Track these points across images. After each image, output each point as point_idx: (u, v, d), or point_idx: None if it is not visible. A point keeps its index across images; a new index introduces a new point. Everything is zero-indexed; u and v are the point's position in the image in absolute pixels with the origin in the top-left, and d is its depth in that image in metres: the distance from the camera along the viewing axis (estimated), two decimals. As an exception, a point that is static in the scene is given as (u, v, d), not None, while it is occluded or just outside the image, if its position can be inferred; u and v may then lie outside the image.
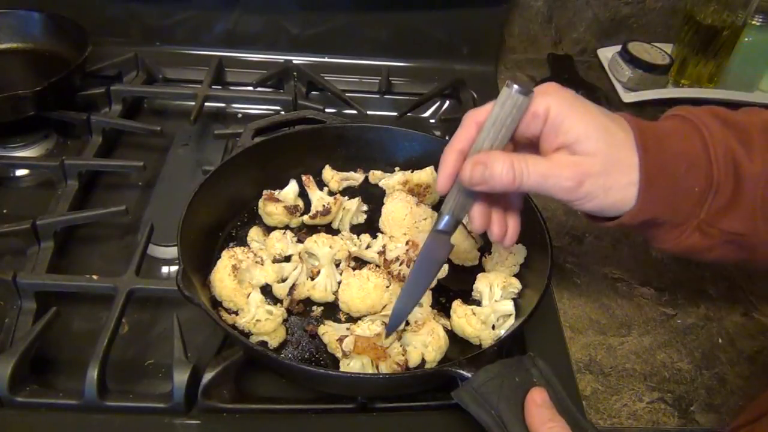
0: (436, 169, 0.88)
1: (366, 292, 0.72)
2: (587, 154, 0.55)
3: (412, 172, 0.89)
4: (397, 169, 0.92)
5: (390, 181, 0.90)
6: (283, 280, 0.76)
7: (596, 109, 0.57)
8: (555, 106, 0.56)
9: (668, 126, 0.60)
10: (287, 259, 0.79)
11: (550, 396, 0.56)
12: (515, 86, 0.55)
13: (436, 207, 0.87)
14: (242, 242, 0.81)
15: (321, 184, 0.90)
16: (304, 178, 0.88)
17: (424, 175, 0.88)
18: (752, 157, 0.57)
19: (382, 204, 0.86)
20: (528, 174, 0.56)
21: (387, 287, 0.74)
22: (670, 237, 0.61)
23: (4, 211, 0.87)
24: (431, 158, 0.88)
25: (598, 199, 0.57)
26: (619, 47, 1.20)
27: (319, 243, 0.77)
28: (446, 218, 0.63)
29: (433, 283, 0.70)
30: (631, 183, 0.56)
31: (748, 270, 0.88)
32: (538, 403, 0.54)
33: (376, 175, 0.92)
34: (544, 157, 0.57)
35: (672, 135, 0.59)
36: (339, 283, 0.76)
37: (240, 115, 1.10)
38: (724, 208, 0.58)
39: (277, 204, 0.83)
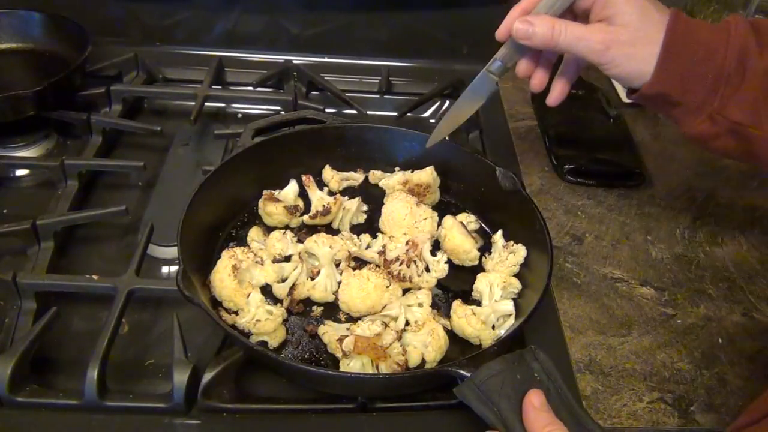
0: (436, 169, 0.89)
1: (366, 292, 0.72)
2: (620, 25, 0.66)
3: (412, 172, 0.89)
4: (397, 169, 0.92)
5: (390, 181, 0.90)
6: (283, 280, 0.76)
7: None
8: None
9: (705, 22, 0.68)
10: (287, 259, 0.79)
11: (550, 391, 0.56)
12: None
13: (437, 207, 0.87)
14: (242, 242, 0.81)
15: (321, 184, 0.90)
16: (304, 178, 0.88)
17: (424, 175, 0.88)
18: (763, 53, 0.65)
19: (382, 204, 0.86)
20: (565, 34, 0.67)
21: (387, 287, 0.74)
22: (686, 120, 0.69)
23: (4, 211, 0.87)
24: (431, 158, 0.88)
25: (621, 66, 0.67)
26: (619, 47, 1.19)
27: (319, 243, 0.77)
28: (498, 63, 0.74)
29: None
30: (652, 55, 0.66)
31: (748, 270, 0.88)
32: (535, 406, 0.54)
33: (376, 175, 0.92)
34: (584, 24, 0.68)
35: (702, 26, 0.67)
36: (339, 283, 0.76)
37: (240, 115, 1.10)
38: (730, 98, 0.66)
39: (277, 204, 0.83)
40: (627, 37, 0.66)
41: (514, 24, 0.69)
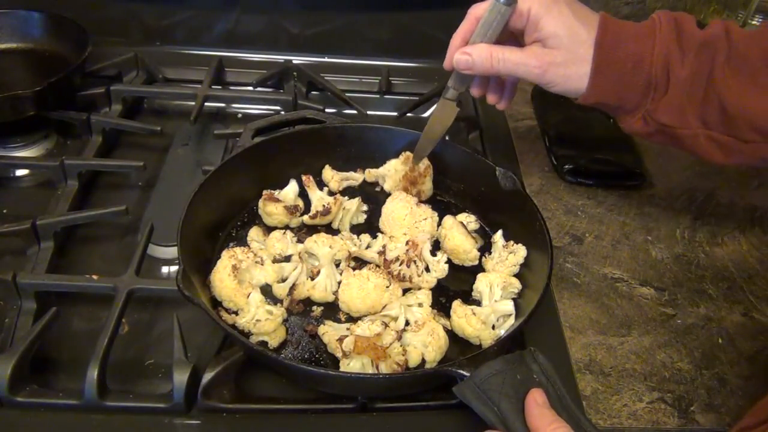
0: (436, 168, 0.89)
1: (366, 292, 0.72)
2: (553, 48, 0.71)
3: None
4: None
5: (386, 168, 0.90)
6: (283, 280, 0.76)
7: (569, 10, 0.71)
8: (535, 7, 0.70)
9: (633, 29, 0.72)
10: (287, 259, 0.79)
11: (549, 393, 0.56)
12: None
13: (436, 207, 0.87)
14: (242, 242, 0.81)
15: (321, 184, 0.90)
16: (304, 178, 0.88)
17: (420, 167, 0.88)
18: (684, 63, 0.70)
19: (382, 204, 0.86)
20: (503, 62, 0.72)
21: (387, 287, 0.74)
22: (624, 120, 0.76)
23: (4, 211, 0.87)
24: (431, 157, 0.88)
25: (559, 85, 0.73)
26: (619, 47, 1.19)
27: (319, 243, 0.77)
28: (451, 90, 0.81)
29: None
30: (585, 74, 0.71)
31: (748, 270, 0.88)
32: (539, 403, 0.54)
33: (371, 173, 0.92)
34: (519, 48, 0.73)
35: (630, 38, 0.71)
36: (339, 283, 0.76)
37: (240, 115, 1.10)
38: (658, 103, 0.72)
39: (277, 204, 0.83)
40: (560, 59, 0.70)
41: (454, 56, 0.74)
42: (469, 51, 0.73)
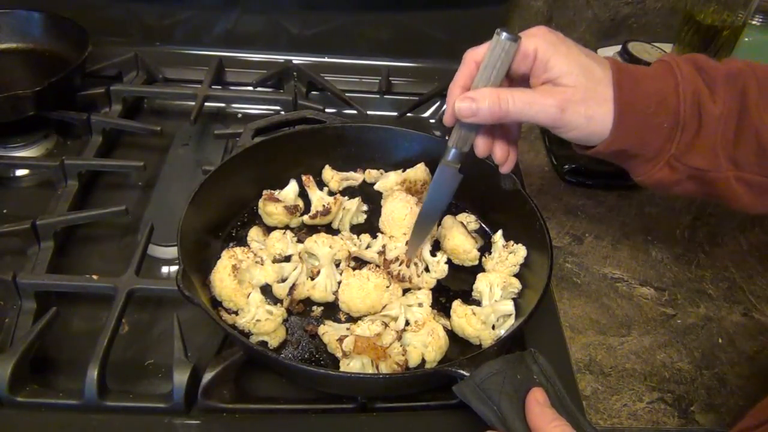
0: (428, 165, 0.89)
1: (366, 292, 0.72)
2: (569, 86, 0.62)
3: (404, 171, 0.89)
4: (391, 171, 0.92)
5: (386, 182, 0.90)
6: (283, 280, 0.76)
7: (579, 49, 0.64)
8: (542, 46, 0.63)
9: (647, 69, 0.66)
10: (287, 259, 0.79)
11: (549, 394, 0.56)
12: (504, 33, 0.61)
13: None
14: (242, 242, 0.81)
15: (321, 184, 0.90)
16: (304, 178, 0.88)
17: (418, 172, 0.88)
18: (715, 98, 0.64)
19: (382, 204, 0.86)
20: (513, 102, 0.62)
21: (387, 287, 0.74)
22: (643, 170, 0.67)
23: (4, 211, 0.87)
24: (431, 158, 0.88)
25: (580, 128, 0.63)
26: (619, 47, 1.19)
27: (319, 243, 0.77)
28: (452, 151, 0.70)
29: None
30: (607, 113, 0.63)
31: (748, 270, 0.88)
32: (540, 401, 0.54)
33: (372, 174, 0.92)
34: (531, 89, 0.64)
35: (647, 76, 0.65)
36: (339, 283, 0.76)
37: (240, 115, 1.10)
38: (688, 145, 0.64)
39: (277, 204, 0.83)
40: (580, 96, 0.62)
41: (456, 104, 0.64)
42: (472, 95, 0.63)
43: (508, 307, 0.73)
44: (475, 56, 0.65)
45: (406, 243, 0.78)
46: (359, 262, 0.80)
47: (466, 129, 0.68)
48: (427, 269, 0.79)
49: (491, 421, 0.55)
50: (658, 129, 0.64)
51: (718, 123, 0.63)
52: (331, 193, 0.89)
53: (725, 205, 0.68)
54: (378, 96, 1.12)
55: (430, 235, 0.80)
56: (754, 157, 0.64)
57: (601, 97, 0.63)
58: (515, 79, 0.67)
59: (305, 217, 0.85)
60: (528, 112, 0.63)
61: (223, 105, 1.11)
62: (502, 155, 0.70)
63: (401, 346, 0.69)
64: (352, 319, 0.74)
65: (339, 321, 0.74)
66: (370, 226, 0.86)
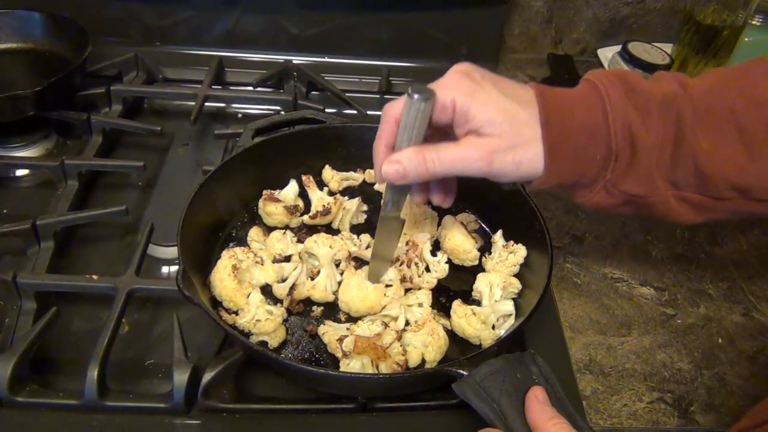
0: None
1: (366, 292, 0.72)
2: (493, 135, 0.60)
3: None
4: None
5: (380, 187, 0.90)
6: (283, 280, 0.76)
7: (497, 91, 0.61)
8: (459, 97, 0.60)
9: (574, 96, 0.64)
10: (287, 259, 0.79)
11: (549, 395, 0.56)
12: (415, 95, 0.59)
13: (436, 207, 0.87)
14: (242, 242, 0.81)
15: (321, 184, 0.90)
16: (304, 178, 0.88)
17: None
18: (648, 127, 0.62)
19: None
20: (440, 161, 0.61)
21: (387, 287, 0.74)
22: (581, 194, 0.66)
23: (4, 211, 0.87)
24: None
25: (510, 174, 0.62)
26: (619, 47, 1.20)
27: (319, 243, 0.77)
28: (389, 204, 0.70)
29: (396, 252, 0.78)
30: (537, 155, 0.61)
31: (748, 270, 0.88)
32: (540, 399, 0.54)
33: (372, 174, 0.92)
34: (455, 143, 0.62)
35: (576, 107, 0.62)
36: (339, 283, 0.76)
37: (240, 115, 1.10)
38: (623, 172, 0.63)
39: (277, 204, 0.83)
40: (505, 145, 0.60)
41: (383, 169, 0.63)
42: (398, 158, 0.62)
43: (508, 307, 0.73)
44: (393, 112, 0.63)
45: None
46: (359, 262, 0.80)
47: (398, 188, 0.68)
48: (427, 269, 0.79)
49: (491, 419, 0.55)
50: (591, 160, 0.62)
51: (652, 151, 0.62)
52: (331, 193, 0.89)
53: (666, 221, 0.67)
54: (378, 96, 1.12)
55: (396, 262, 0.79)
56: (693, 179, 0.63)
57: (528, 140, 0.61)
58: (440, 129, 0.65)
59: (305, 217, 0.85)
60: (455, 168, 0.62)
61: (223, 105, 1.11)
62: (440, 200, 0.71)
63: (401, 346, 0.69)
64: (352, 319, 0.74)
65: (339, 321, 0.74)
66: (370, 226, 0.86)
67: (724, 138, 0.62)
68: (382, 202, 0.71)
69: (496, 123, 0.60)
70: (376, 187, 0.92)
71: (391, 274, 0.75)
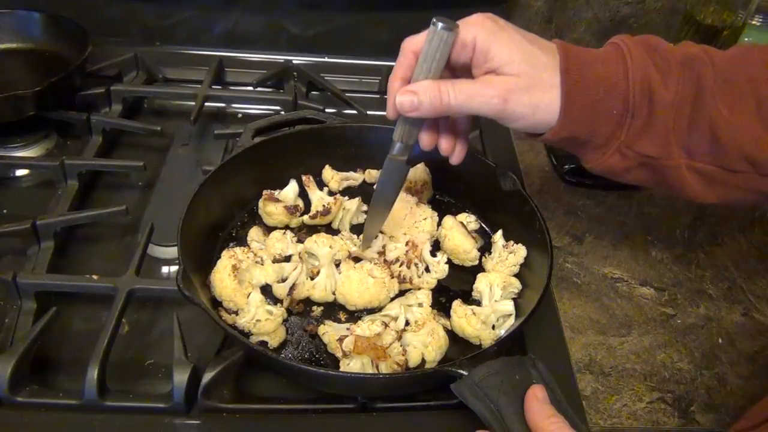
0: (436, 168, 0.89)
1: (365, 286, 0.73)
2: (512, 75, 0.60)
3: None
4: None
5: None
6: (283, 280, 0.76)
7: (521, 35, 0.62)
8: (481, 35, 0.61)
9: (598, 52, 0.64)
10: (287, 259, 0.79)
11: (548, 397, 0.56)
12: (440, 24, 0.60)
13: (437, 207, 0.87)
14: (242, 242, 0.81)
15: (321, 184, 0.90)
16: (304, 178, 0.88)
17: (417, 172, 0.88)
18: (667, 84, 0.61)
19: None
20: (455, 94, 0.61)
21: (385, 283, 0.74)
22: (593, 156, 0.65)
23: (4, 211, 0.87)
24: (431, 158, 0.88)
25: (526, 117, 0.61)
26: (619, 47, 1.20)
27: (319, 243, 0.77)
28: (397, 144, 0.69)
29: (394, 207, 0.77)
30: (554, 101, 0.61)
31: (748, 270, 0.88)
32: (539, 398, 0.54)
33: (372, 174, 0.92)
34: (473, 80, 0.62)
35: (596, 60, 0.62)
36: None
37: (240, 115, 1.10)
38: (639, 131, 0.62)
39: (277, 204, 0.83)
40: (523, 85, 0.60)
41: (396, 98, 0.63)
42: (413, 89, 0.62)
43: (508, 307, 0.73)
44: (413, 46, 0.64)
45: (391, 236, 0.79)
46: (359, 263, 0.80)
47: (410, 122, 0.67)
48: (427, 269, 0.79)
49: (488, 419, 0.55)
50: (607, 115, 0.62)
51: (670, 109, 0.61)
52: (331, 193, 0.89)
53: (675, 193, 0.67)
54: (378, 96, 1.13)
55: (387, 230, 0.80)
56: (707, 146, 0.62)
57: (547, 84, 0.61)
58: (457, 69, 0.65)
59: (305, 217, 0.85)
60: (470, 104, 0.61)
61: (223, 105, 1.11)
62: (448, 147, 0.70)
63: (401, 346, 0.69)
64: (352, 319, 0.74)
65: (339, 321, 0.74)
66: (370, 226, 0.86)
67: (742, 107, 0.61)
68: (391, 144, 0.69)
69: (515, 63, 0.60)
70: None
71: (379, 273, 0.74)
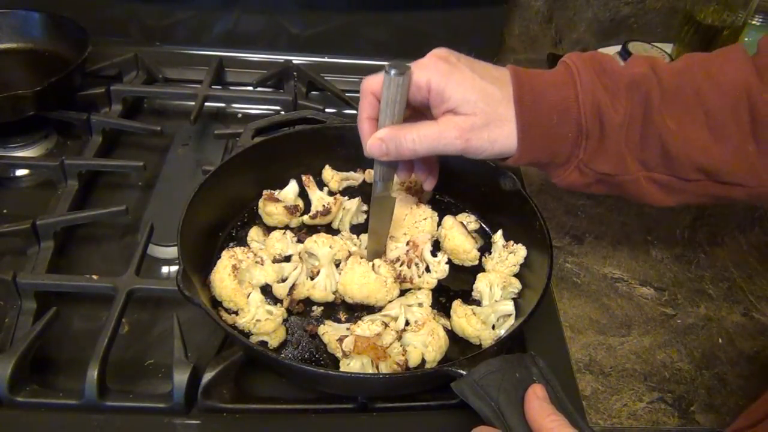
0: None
1: (367, 280, 0.73)
2: (469, 114, 0.63)
3: None
4: None
5: None
6: (283, 280, 0.76)
7: (472, 72, 0.64)
8: (434, 77, 0.63)
9: (549, 76, 0.66)
10: (287, 259, 0.79)
11: (549, 395, 0.56)
12: (392, 70, 0.62)
13: (437, 207, 0.87)
14: (242, 242, 0.81)
15: (321, 184, 0.90)
16: (304, 178, 0.88)
17: None
18: (616, 106, 0.64)
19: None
20: (419, 141, 0.64)
21: (386, 282, 0.74)
22: (556, 174, 0.68)
23: (4, 211, 0.87)
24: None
25: (487, 151, 0.65)
26: (619, 47, 1.20)
27: (319, 243, 0.77)
28: (379, 184, 0.73)
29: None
30: (511, 132, 0.64)
31: (748, 270, 0.88)
32: (539, 396, 0.54)
33: (372, 174, 0.92)
34: (433, 122, 0.65)
35: (548, 86, 0.65)
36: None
37: (240, 115, 1.10)
38: (594, 152, 0.65)
39: (277, 204, 0.83)
40: (481, 123, 0.63)
41: (368, 147, 0.67)
42: (381, 136, 0.65)
43: (508, 307, 0.73)
44: (371, 87, 0.66)
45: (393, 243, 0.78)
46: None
47: (386, 163, 0.70)
48: (427, 269, 0.79)
49: (488, 417, 0.55)
50: (563, 138, 0.65)
51: (620, 130, 0.64)
52: (331, 193, 0.89)
53: (636, 201, 0.70)
54: (378, 96, 1.12)
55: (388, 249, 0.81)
56: (660, 159, 0.65)
57: (504, 119, 0.63)
58: (417, 108, 0.68)
59: (305, 217, 0.85)
60: (434, 147, 0.65)
61: (223, 105, 1.11)
62: (423, 177, 0.76)
63: (401, 346, 0.69)
64: (352, 319, 0.74)
65: (339, 321, 0.74)
66: (370, 226, 0.86)
67: (690, 119, 0.64)
68: (372, 183, 0.74)
69: (471, 102, 0.63)
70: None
71: (385, 271, 0.75)
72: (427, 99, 0.65)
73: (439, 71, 0.63)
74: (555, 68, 0.67)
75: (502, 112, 0.63)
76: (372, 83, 0.66)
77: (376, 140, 0.66)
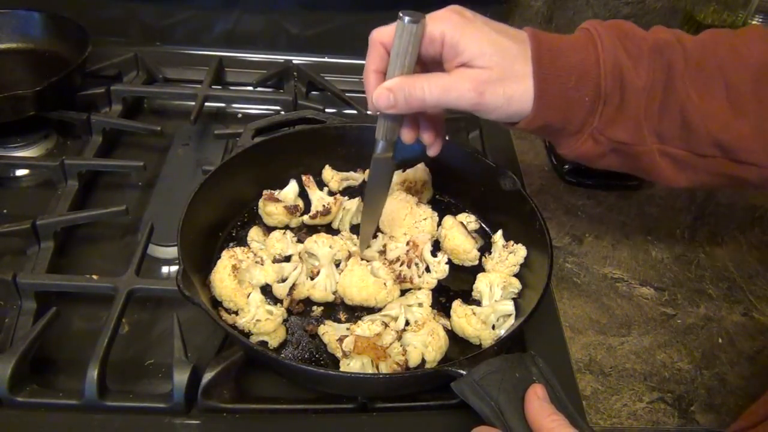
0: (436, 168, 0.89)
1: (365, 282, 0.73)
2: (484, 67, 0.60)
3: (404, 171, 0.89)
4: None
5: None
6: (283, 280, 0.76)
7: (489, 27, 0.61)
8: (448, 29, 0.60)
9: (569, 39, 0.64)
10: (287, 259, 0.79)
11: (549, 394, 0.56)
12: (406, 17, 0.59)
13: (437, 207, 0.87)
14: (242, 242, 0.81)
15: (321, 184, 0.90)
16: (304, 178, 0.88)
17: (418, 172, 0.89)
18: (638, 70, 0.62)
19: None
20: (429, 90, 0.61)
21: (385, 284, 0.74)
22: (567, 143, 0.66)
23: (4, 211, 0.87)
24: (431, 157, 0.88)
25: (501, 108, 0.61)
26: (619, 47, 1.20)
27: (319, 243, 0.77)
28: (381, 143, 0.69)
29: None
30: (527, 91, 0.61)
31: (748, 270, 0.88)
32: (539, 396, 0.54)
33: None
34: (445, 73, 0.62)
35: (568, 48, 0.62)
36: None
37: (240, 115, 1.10)
38: (612, 118, 0.62)
39: (277, 204, 0.83)
40: (496, 76, 0.60)
41: (373, 97, 0.63)
42: (388, 86, 0.62)
43: (508, 307, 0.74)
44: (381, 37, 0.63)
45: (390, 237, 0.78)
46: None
47: (390, 119, 0.67)
48: (427, 269, 0.79)
49: (488, 417, 0.55)
50: (579, 102, 0.62)
51: (641, 96, 0.62)
52: (331, 193, 0.89)
53: (646, 177, 0.68)
54: (378, 96, 1.12)
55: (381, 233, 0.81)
56: (678, 131, 0.63)
57: (519, 74, 0.60)
58: (429, 63, 0.64)
59: (305, 217, 0.85)
60: (446, 98, 0.61)
61: (223, 105, 1.11)
62: (430, 139, 0.71)
63: (401, 346, 0.69)
64: (352, 319, 0.74)
65: (339, 321, 0.74)
66: (370, 226, 0.86)
67: (712, 92, 0.62)
68: (374, 143, 0.70)
69: (486, 55, 0.60)
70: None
71: (384, 273, 0.75)
72: (439, 53, 0.62)
73: (453, 23, 0.60)
74: (574, 33, 0.65)
75: (518, 69, 0.60)
76: (382, 33, 0.63)
77: (384, 90, 0.62)
